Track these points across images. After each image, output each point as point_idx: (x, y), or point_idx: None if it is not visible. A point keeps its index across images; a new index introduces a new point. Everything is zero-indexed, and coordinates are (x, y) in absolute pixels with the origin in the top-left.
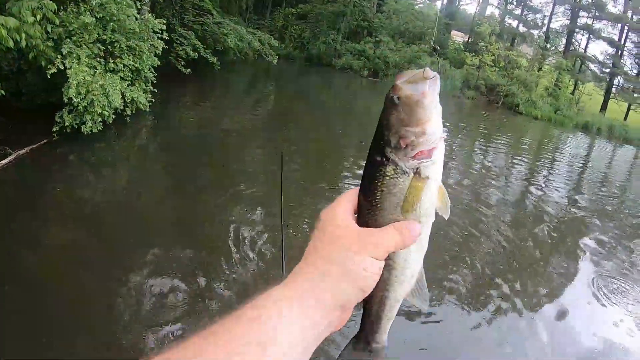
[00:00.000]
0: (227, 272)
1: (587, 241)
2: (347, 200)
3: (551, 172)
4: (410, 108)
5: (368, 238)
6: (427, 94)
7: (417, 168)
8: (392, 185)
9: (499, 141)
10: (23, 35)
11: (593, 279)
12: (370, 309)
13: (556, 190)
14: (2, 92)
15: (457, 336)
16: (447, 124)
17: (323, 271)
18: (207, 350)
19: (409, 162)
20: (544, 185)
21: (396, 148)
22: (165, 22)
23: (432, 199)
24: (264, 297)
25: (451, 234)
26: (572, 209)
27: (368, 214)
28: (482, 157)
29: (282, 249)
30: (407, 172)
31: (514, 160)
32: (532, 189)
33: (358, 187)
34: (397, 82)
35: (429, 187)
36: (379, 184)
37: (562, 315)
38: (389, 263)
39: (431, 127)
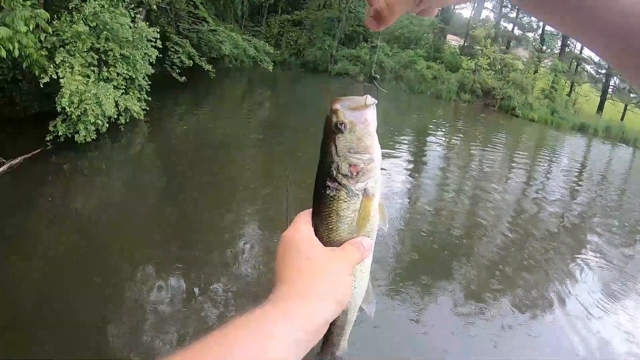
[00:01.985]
0: (224, 279)
1: (587, 242)
2: (307, 222)
3: (549, 173)
4: (358, 136)
5: (339, 256)
6: (371, 122)
7: (365, 189)
8: (346, 208)
9: (497, 144)
10: (16, 44)
11: (593, 280)
12: (336, 321)
13: (555, 191)
14: None
15: (451, 336)
16: (444, 128)
17: (308, 290)
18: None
19: (358, 185)
20: (542, 187)
21: (347, 175)
22: (159, 30)
23: (377, 214)
24: (255, 314)
25: (453, 235)
26: (571, 210)
27: (326, 235)
28: (479, 160)
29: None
30: (358, 194)
31: (512, 163)
32: (530, 191)
33: (311, 209)
34: (338, 107)
35: (375, 204)
36: (334, 207)
37: (561, 315)
38: None
39: (377, 153)
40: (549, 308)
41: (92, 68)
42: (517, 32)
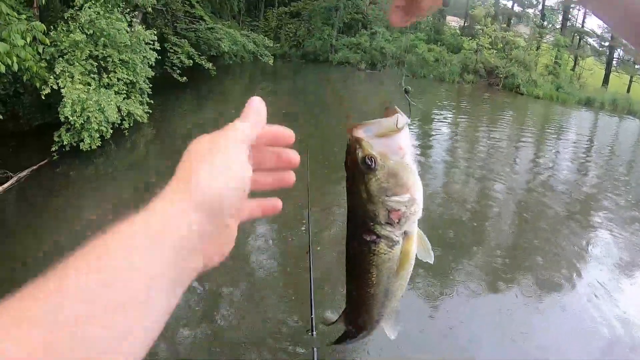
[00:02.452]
0: (239, 275)
1: (598, 217)
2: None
3: (557, 149)
4: (393, 173)
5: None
6: (405, 150)
7: (405, 231)
8: (387, 260)
9: (503, 123)
10: (14, 58)
11: (606, 256)
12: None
13: (564, 167)
14: (0, 116)
15: (465, 317)
16: (449, 109)
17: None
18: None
19: (399, 231)
20: (551, 163)
21: (387, 224)
22: (156, 32)
23: (415, 249)
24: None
25: (463, 218)
26: (581, 186)
27: (364, 293)
28: (486, 139)
29: (309, 246)
30: (398, 240)
31: (520, 141)
32: (539, 168)
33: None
34: (362, 135)
35: (414, 242)
36: (374, 262)
37: (573, 294)
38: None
39: (419, 190)
40: (564, 285)
41: (92, 75)
42: (516, 8)
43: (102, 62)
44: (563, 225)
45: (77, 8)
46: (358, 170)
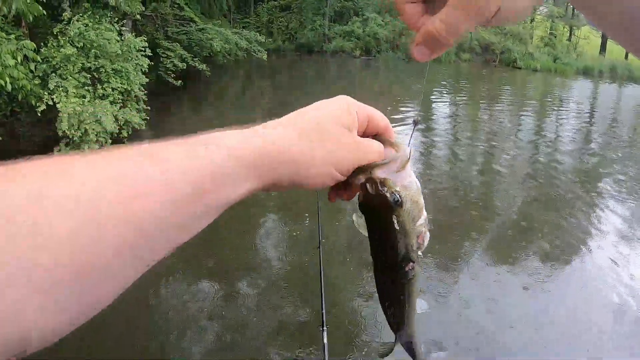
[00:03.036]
0: (252, 276)
1: (606, 187)
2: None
3: (560, 122)
4: (415, 202)
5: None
6: (412, 175)
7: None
8: (416, 281)
9: (503, 98)
10: (7, 79)
11: (616, 228)
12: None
13: (567, 139)
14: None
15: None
16: (449, 89)
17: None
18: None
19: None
20: (554, 136)
21: (418, 248)
22: (146, 39)
23: None
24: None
25: (471, 195)
26: (587, 156)
27: (409, 313)
28: (488, 116)
29: (319, 246)
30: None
31: (521, 116)
32: (543, 141)
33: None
34: (384, 175)
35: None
36: (415, 288)
37: (584, 269)
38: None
39: (424, 206)
40: (578, 256)
41: (86, 87)
42: None
43: (95, 74)
44: (572, 197)
45: (65, 22)
46: (388, 206)
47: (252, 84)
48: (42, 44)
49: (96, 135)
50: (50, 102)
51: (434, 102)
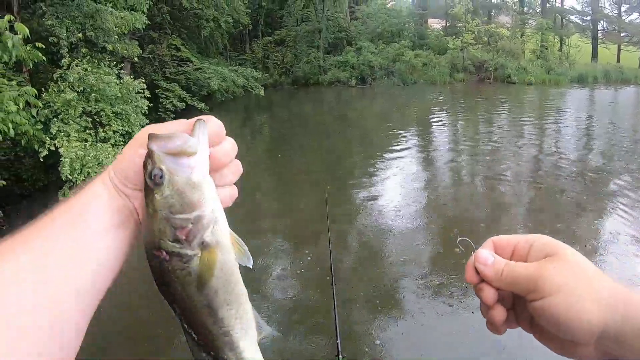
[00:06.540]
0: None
1: (611, 190)
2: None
3: (559, 131)
4: (180, 192)
5: None
6: (197, 164)
7: (202, 242)
8: (188, 275)
9: (501, 113)
10: (10, 125)
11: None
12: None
13: (568, 147)
14: (3, 182)
15: None
16: (446, 111)
17: None
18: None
19: (192, 244)
20: (555, 145)
21: (175, 240)
22: (145, 80)
23: (232, 256)
24: None
25: (475, 212)
26: (589, 162)
27: (184, 311)
28: (487, 132)
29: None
30: (195, 254)
31: (521, 129)
32: (544, 151)
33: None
34: (154, 147)
35: (224, 249)
36: (174, 279)
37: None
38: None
39: (209, 205)
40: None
41: (88, 131)
42: (495, 0)
43: (96, 117)
44: (579, 206)
45: (65, 68)
46: (147, 183)
47: (251, 120)
48: (43, 89)
49: None
50: (53, 147)
51: (434, 123)
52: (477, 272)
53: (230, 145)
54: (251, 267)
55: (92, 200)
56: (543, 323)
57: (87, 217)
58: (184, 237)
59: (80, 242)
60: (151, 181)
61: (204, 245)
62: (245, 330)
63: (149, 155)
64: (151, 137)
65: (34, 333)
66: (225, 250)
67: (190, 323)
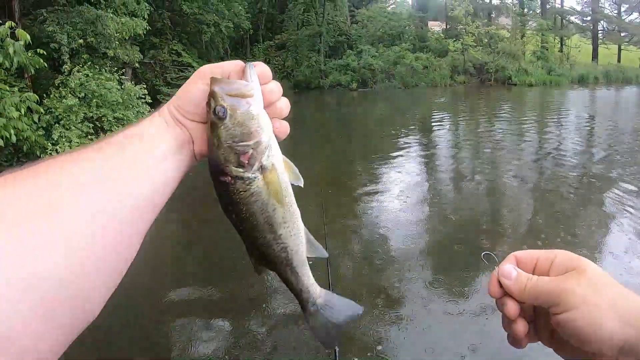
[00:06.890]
0: (264, 305)
1: (614, 192)
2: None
3: (562, 132)
4: (241, 123)
5: None
6: (253, 102)
7: (261, 165)
8: (250, 196)
9: (502, 115)
10: (12, 131)
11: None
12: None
13: (572, 148)
14: None
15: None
16: (448, 113)
17: None
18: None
19: (253, 168)
20: (558, 146)
21: (239, 165)
22: (146, 86)
23: (285, 177)
24: None
25: (479, 214)
26: (592, 163)
27: (247, 228)
28: (490, 134)
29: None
30: (256, 176)
31: (523, 130)
32: (547, 152)
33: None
34: (216, 89)
35: (278, 171)
36: (239, 200)
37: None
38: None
39: (265, 133)
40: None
41: (89, 137)
42: (495, 1)
43: (97, 123)
44: (581, 206)
45: (66, 74)
46: (212, 119)
47: None
48: (44, 95)
49: None
50: (55, 153)
51: (435, 125)
52: (500, 285)
53: (275, 85)
54: (302, 186)
55: (153, 128)
56: (565, 336)
57: (150, 140)
58: (246, 161)
59: (144, 159)
60: (215, 116)
61: (262, 169)
62: (298, 246)
63: (212, 95)
64: (213, 80)
65: (114, 227)
66: (280, 172)
67: (253, 240)
